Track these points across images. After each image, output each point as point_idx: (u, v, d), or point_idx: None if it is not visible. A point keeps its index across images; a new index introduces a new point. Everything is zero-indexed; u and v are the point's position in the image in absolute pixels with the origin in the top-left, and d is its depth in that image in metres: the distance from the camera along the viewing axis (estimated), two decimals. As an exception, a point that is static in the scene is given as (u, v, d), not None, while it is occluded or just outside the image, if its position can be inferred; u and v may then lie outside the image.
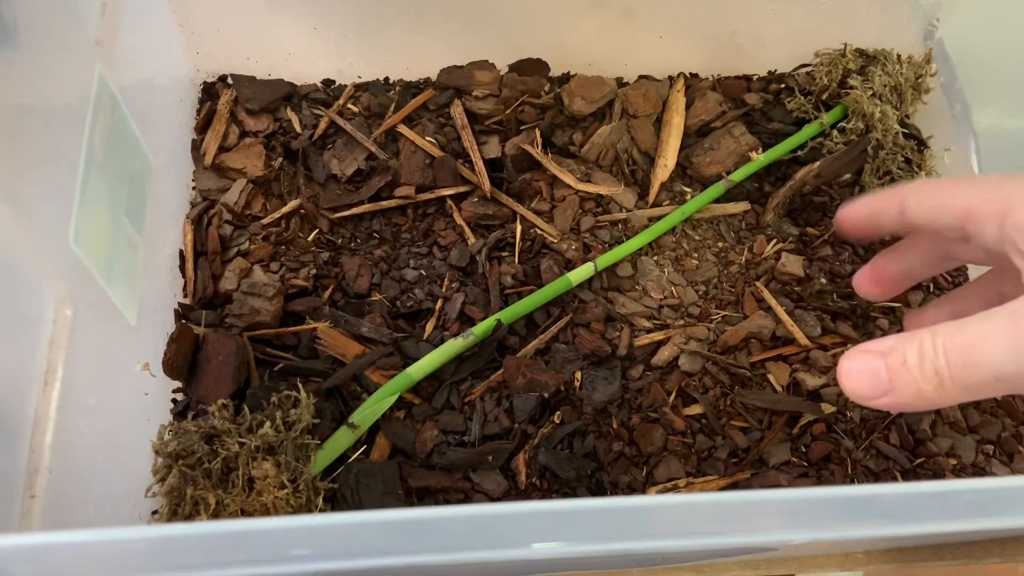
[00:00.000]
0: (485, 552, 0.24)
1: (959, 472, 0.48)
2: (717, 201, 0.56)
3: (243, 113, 0.57)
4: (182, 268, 0.52)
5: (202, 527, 0.23)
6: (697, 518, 0.25)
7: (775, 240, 0.55)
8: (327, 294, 0.52)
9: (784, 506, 0.25)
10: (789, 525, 0.25)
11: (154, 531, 0.23)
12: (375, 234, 0.55)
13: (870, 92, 0.57)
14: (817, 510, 0.25)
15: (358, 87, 0.60)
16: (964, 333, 0.27)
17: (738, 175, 0.56)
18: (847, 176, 0.57)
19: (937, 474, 0.47)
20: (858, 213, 0.40)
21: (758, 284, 0.53)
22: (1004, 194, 0.31)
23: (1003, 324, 0.27)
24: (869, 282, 0.43)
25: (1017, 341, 0.26)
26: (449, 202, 0.56)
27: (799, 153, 0.58)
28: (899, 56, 0.59)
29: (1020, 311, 0.27)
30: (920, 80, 0.59)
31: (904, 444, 0.48)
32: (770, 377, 0.50)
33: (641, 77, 0.62)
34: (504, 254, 0.54)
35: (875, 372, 0.28)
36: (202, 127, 0.56)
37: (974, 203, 0.32)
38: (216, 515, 0.41)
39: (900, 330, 0.52)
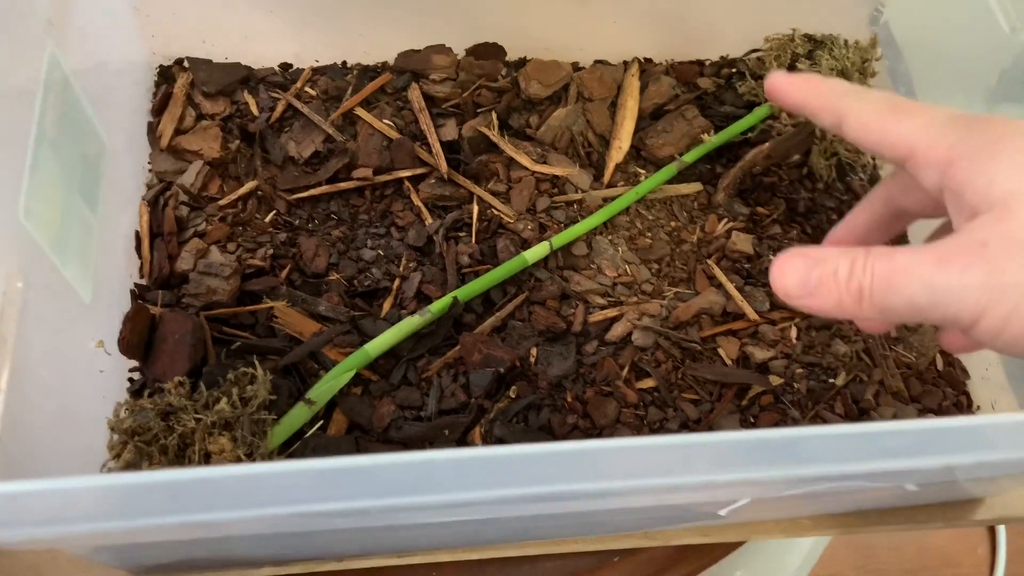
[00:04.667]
0: (426, 496, 0.24)
1: (902, 440, 0.50)
2: (670, 182, 0.57)
3: (200, 96, 0.57)
4: (138, 249, 0.52)
5: (148, 476, 0.24)
6: (636, 461, 0.26)
7: (726, 219, 0.56)
8: (284, 274, 0.52)
9: (715, 449, 0.26)
10: (720, 466, 0.26)
11: (104, 480, 0.24)
12: (333, 215, 0.55)
13: (818, 76, 0.59)
14: (745, 451, 0.26)
15: (316, 71, 0.60)
16: (893, 259, 0.29)
17: (690, 156, 0.58)
18: (796, 157, 0.59)
19: (881, 442, 0.49)
20: (795, 89, 0.36)
21: (709, 262, 0.54)
22: (947, 143, 0.31)
23: (928, 258, 0.29)
24: None
25: (934, 277, 0.28)
26: (407, 183, 0.56)
27: (749, 135, 0.59)
28: (846, 41, 0.61)
29: (944, 249, 0.29)
30: (866, 64, 0.61)
31: (848, 413, 0.50)
32: (720, 351, 0.51)
33: (596, 62, 0.63)
34: (461, 234, 0.55)
35: (806, 274, 0.30)
36: (158, 109, 0.57)
37: (918, 146, 0.32)
38: (172, 488, 0.41)
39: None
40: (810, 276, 0.30)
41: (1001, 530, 1.05)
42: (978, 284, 0.27)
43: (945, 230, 0.39)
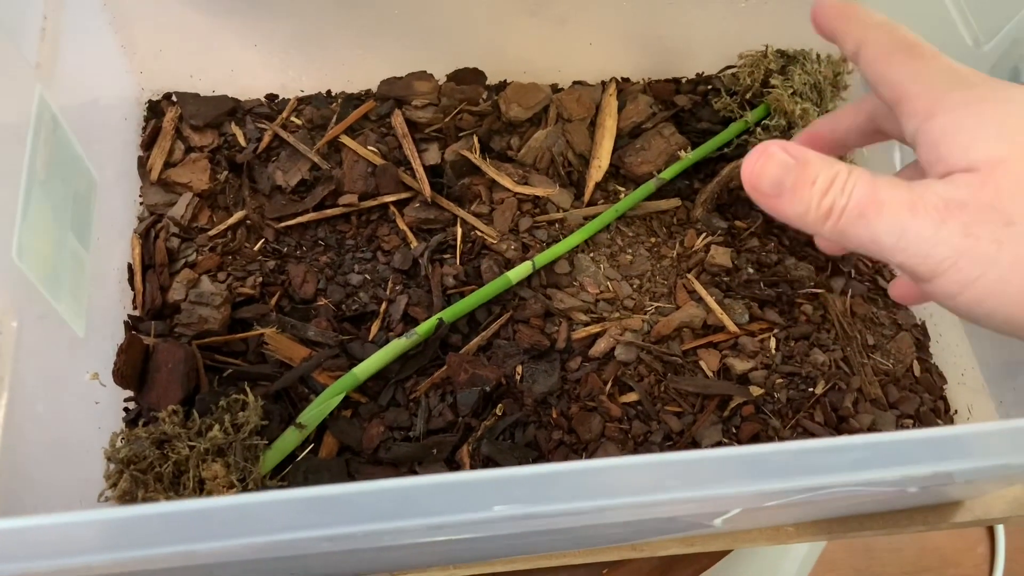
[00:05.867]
0: (413, 521, 0.26)
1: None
2: (649, 199, 0.59)
3: (188, 129, 0.59)
4: (131, 281, 0.53)
5: (142, 509, 0.25)
6: (624, 480, 0.27)
7: (704, 234, 0.58)
8: (274, 301, 0.53)
9: (695, 465, 0.28)
10: (698, 482, 0.27)
11: (100, 514, 0.25)
12: (320, 241, 0.56)
13: (791, 91, 0.60)
14: (722, 467, 0.27)
15: (301, 100, 0.62)
16: (875, 189, 0.28)
17: (668, 173, 0.59)
18: (771, 171, 0.60)
19: (860, 448, 0.50)
20: (835, 12, 0.36)
21: (689, 276, 0.56)
22: (934, 96, 0.30)
23: (904, 201, 0.28)
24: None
25: (908, 222, 0.28)
26: (392, 208, 0.57)
27: (726, 150, 0.61)
28: (818, 55, 0.62)
29: (921, 197, 0.28)
30: (839, 77, 0.62)
31: (828, 421, 0.51)
32: (701, 363, 0.52)
33: (575, 83, 0.64)
34: (446, 256, 0.56)
35: (783, 173, 0.29)
36: (148, 144, 0.58)
37: (909, 92, 0.31)
38: (167, 515, 0.42)
39: (824, 316, 0.55)
40: (787, 177, 0.29)
41: (1000, 528, 1.06)
42: (950, 243, 0.27)
43: (915, 168, 0.38)
